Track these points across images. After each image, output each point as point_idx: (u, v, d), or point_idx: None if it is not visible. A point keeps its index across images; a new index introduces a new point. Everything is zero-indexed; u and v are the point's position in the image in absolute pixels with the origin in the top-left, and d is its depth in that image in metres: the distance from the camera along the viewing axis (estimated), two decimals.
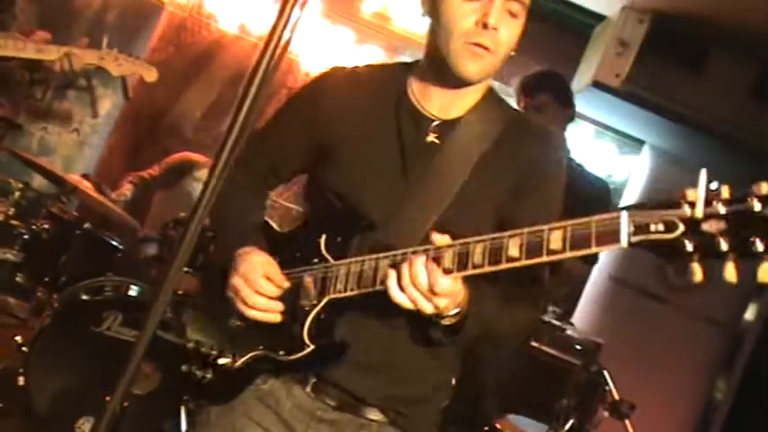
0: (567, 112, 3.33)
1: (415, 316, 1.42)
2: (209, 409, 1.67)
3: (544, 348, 3.95)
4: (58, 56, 2.58)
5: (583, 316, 4.79)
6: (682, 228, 1.12)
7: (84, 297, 3.18)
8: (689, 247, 1.12)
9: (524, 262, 1.28)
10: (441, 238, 1.35)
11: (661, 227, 1.14)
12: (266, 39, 1.24)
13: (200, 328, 1.71)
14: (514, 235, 1.29)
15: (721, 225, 1.09)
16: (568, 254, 1.22)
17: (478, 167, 1.53)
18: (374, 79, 1.66)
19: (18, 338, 3.17)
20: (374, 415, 1.58)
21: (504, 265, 1.30)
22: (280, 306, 1.54)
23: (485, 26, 1.46)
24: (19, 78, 3.09)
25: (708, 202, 1.10)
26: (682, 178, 1.20)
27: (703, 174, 1.12)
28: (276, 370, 1.59)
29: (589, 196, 2.87)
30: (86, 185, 3.58)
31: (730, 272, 1.09)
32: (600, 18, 4.49)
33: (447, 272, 1.34)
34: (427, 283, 1.33)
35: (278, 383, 1.60)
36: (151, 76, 2.77)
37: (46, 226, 3.43)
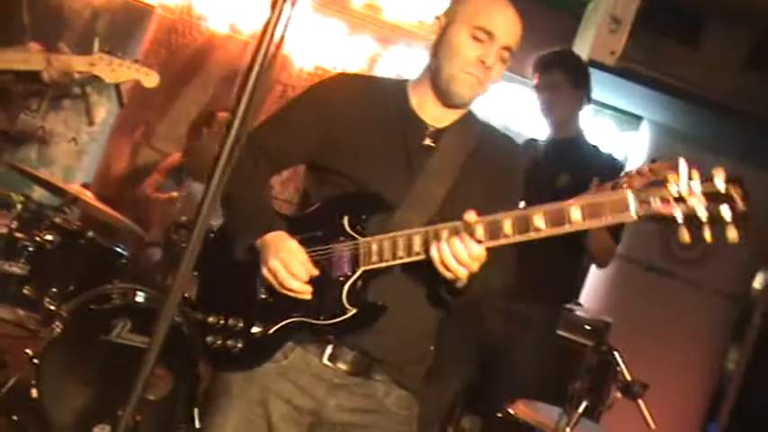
0: (581, 92, 3.33)
1: (429, 285, 1.79)
2: (230, 381, 1.85)
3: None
4: (43, 65, 2.34)
5: (590, 296, 4.79)
6: (674, 203, 1.48)
7: (92, 306, 3.19)
8: (679, 217, 1.48)
9: (549, 231, 1.60)
10: (470, 216, 1.66)
11: (659, 202, 1.50)
12: (259, 37, 1.24)
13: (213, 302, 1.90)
14: (538, 210, 1.62)
15: (700, 198, 1.46)
16: (587, 224, 1.56)
17: (463, 169, 1.87)
18: (379, 87, 1.99)
19: (29, 351, 3.18)
20: (379, 376, 1.85)
21: (531, 235, 1.62)
22: (310, 288, 1.77)
23: (483, 63, 1.81)
24: (14, 90, 3.08)
25: (687, 184, 1.48)
26: (681, 152, 1.57)
27: (682, 162, 1.49)
28: (304, 337, 1.81)
29: (606, 176, 2.89)
30: (87, 195, 3.58)
31: (708, 235, 1.47)
32: None
33: (478, 242, 1.65)
34: (465, 252, 1.62)
35: (297, 358, 1.83)
36: (151, 81, 2.42)
37: (50, 237, 3.42)
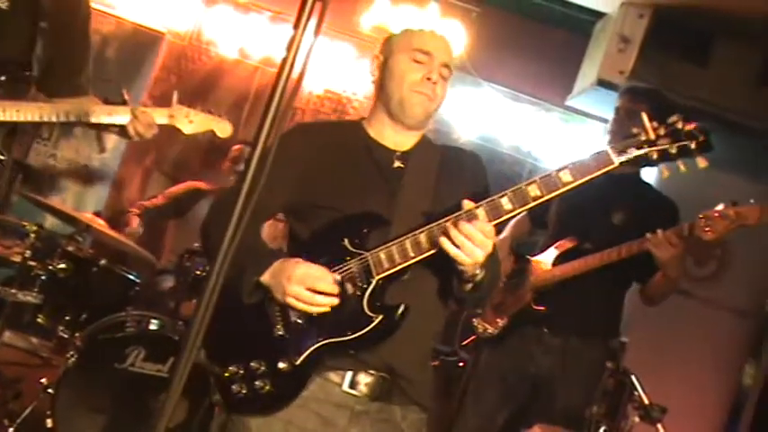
0: None
1: (440, 286, 1.89)
2: (248, 422, 1.85)
3: None
4: (129, 118, 2.31)
5: None
6: (646, 148, 1.74)
7: (106, 334, 3.19)
8: (654, 155, 1.74)
9: (547, 197, 1.75)
10: (468, 203, 1.76)
11: (634, 149, 1.75)
12: (279, 67, 1.24)
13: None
14: (530, 182, 1.76)
15: (666, 140, 1.73)
16: (580, 181, 1.73)
17: (437, 182, 1.98)
18: (336, 128, 2.18)
19: (44, 380, 3.18)
20: (397, 397, 1.88)
21: (531, 204, 1.75)
22: (335, 300, 1.81)
23: (428, 79, 1.95)
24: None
25: (654, 129, 1.74)
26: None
27: (644, 115, 1.77)
28: (323, 367, 1.83)
29: (667, 223, 2.85)
30: (99, 223, 3.59)
31: (681, 167, 1.75)
32: (599, 15, 4.47)
33: None
34: (477, 232, 1.71)
35: (317, 388, 1.84)
36: (224, 131, 2.39)
37: (63, 266, 3.43)
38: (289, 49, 1.19)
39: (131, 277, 3.61)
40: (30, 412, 3.17)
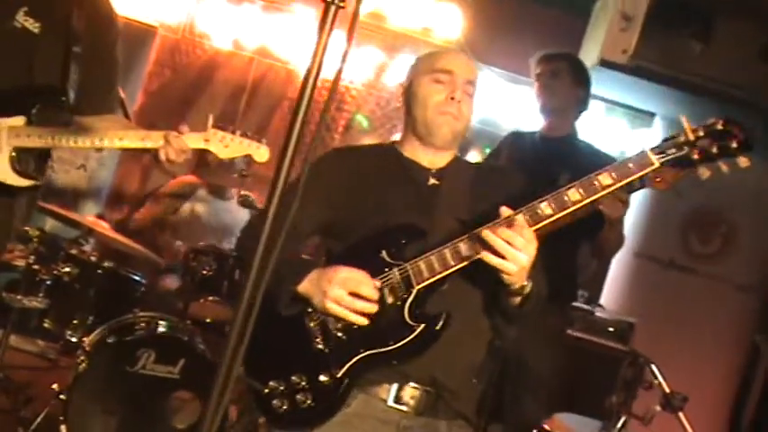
0: (579, 90, 3.30)
1: (484, 301, 1.86)
2: None
3: (576, 334, 3.90)
4: (161, 144, 2.19)
5: (611, 297, 4.76)
6: (686, 148, 1.71)
7: (115, 338, 3.16)
8: (695, 155, 1.70)
9: (587, 200, 1.73)
10: (507, 210, 1.73)
11: (674, 149, 1.72)
12: (306, 73, 1.22)
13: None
14: (570, 186, 1.74)
15: (707, 141, 1.70)
16: (619, 184, 1.73)
17: (472, 197, 1.96)
18: (371, 151, 2.17)
19: (55, 386, 3.15)
20: (443, 411, 1.85)
21: (570, 209, 1.73)
22: (375, 307, 1.80)
23: (452, 99, 1.95)
24: None
25: (693, 131, 1.71)
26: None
27: (683, 118, 1.72)
28: (366, 381, 1.81)
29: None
30: (103, 226, 3.55)
31: (724, 168, 1.71)
32: None
33: None
34: (518, 236, 1.68)
35: (360, 404, 1.82)
36: (262, 155, 2.24)
37: (67, 269, 3.39)
38: (313, 58, 1.16)
39: (137, 278, 3.57)
40: (43, 419, 3.15)
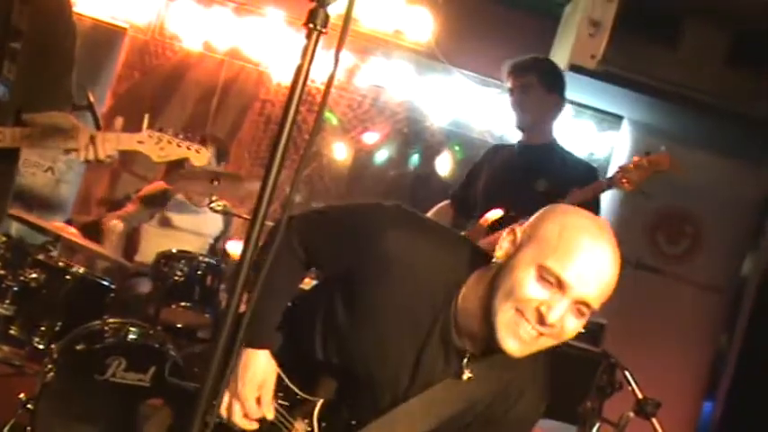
0: (553, 96, 3.35)
1: None
2: None
3: None
4: (84, 143, 2.05)
5: None
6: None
7: (84, 345, 3.12)
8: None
9: None
10: None
11: None
12: (292, 80, 1.22)
13: None
14: None
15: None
16: None
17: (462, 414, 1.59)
18: (432, 263, 1.55)
19: (22, 396, 3.10)
20: None
21: None
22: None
23: (540, 320, 1.41)
24: None
25: None
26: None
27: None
28: None
29: (584, 182, 3.05)
30: (71, 231, 3.50)
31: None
32: None
33: None
34: None
35: None
36: (201, 159, 2.15)
37: (34, 275, 3.34)
38: (294, 81, 1.16)
39: (106, 284, 3.52)
40: (9, 429, 3.09)
